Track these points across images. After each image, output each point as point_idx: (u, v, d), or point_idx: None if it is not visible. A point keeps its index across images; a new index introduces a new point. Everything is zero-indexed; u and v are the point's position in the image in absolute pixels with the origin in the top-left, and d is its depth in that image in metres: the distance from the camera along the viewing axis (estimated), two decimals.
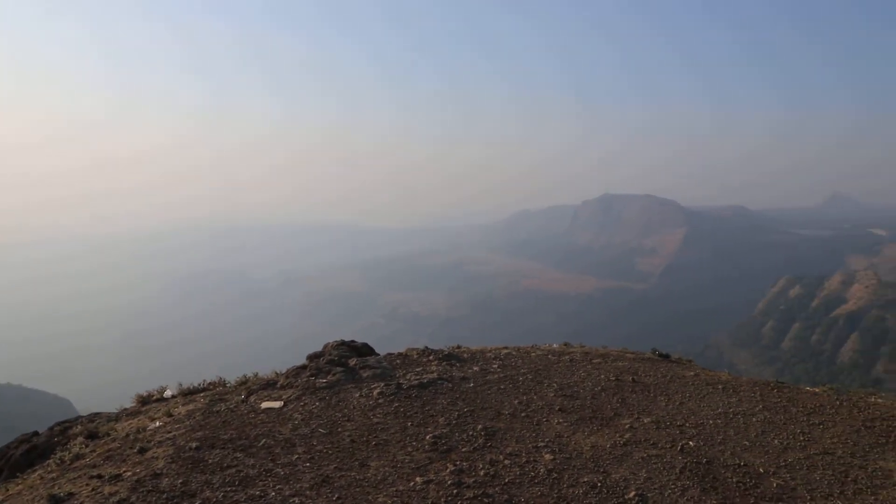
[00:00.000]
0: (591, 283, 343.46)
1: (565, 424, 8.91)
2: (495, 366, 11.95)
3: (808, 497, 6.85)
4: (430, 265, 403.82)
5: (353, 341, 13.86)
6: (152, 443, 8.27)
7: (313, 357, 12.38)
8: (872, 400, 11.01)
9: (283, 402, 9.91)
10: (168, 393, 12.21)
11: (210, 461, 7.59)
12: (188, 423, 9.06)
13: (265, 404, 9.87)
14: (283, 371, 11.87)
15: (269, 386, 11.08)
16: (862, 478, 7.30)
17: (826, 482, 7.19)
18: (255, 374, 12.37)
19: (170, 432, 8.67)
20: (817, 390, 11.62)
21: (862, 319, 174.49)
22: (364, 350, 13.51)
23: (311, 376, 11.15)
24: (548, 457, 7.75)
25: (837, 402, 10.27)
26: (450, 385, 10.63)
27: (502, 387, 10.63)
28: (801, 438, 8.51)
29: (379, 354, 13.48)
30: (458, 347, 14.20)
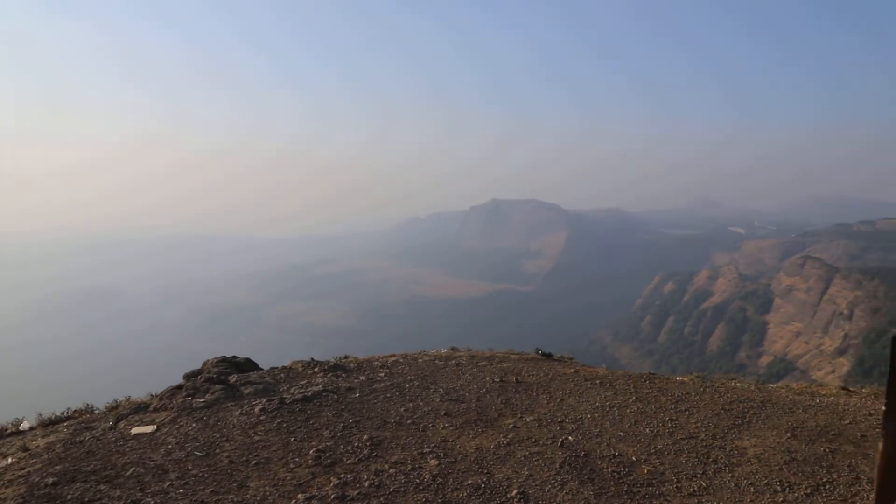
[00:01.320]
0: (481, 287, 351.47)
1: (451, 429, 8.99)
2: (382, 374, 11.87)
3: (675, 479, 7.30)
4: (319, 275, 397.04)
5: (234, 357, 13.30)
6: (1, 483, 7.49)
7: (190, 376, 11.75)
8: (732, 384, 11.95)
9: (155, 427, 9.31)
10: (25, 425, 11.13)
11: (69, 497, 6.97)
12: (46, 456, 8.29)
13: (135, 430, 9.23)
14: (158, 393, 11.18)
15: (141, 410, 10.38)
16: (721, 457, 7.88)
17: (690, 464, 7.70)
18: (127, 398, 11.56)
19: (23, 469, 7.89)
20: (685, 379, 12.44)
21: (726, 310, 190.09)
22: (246, 366, 13.00)
23: (188, 396, 10.56)
24: (433, 462, 7.78)
25: (701, 389, 11.05)
26: (335, 396, 10.43)
27: (389, 395, 10.57)
28: (670, 425, 9.07)
29: (263, 369, 13.03)
30: (346, 357, 14.00)
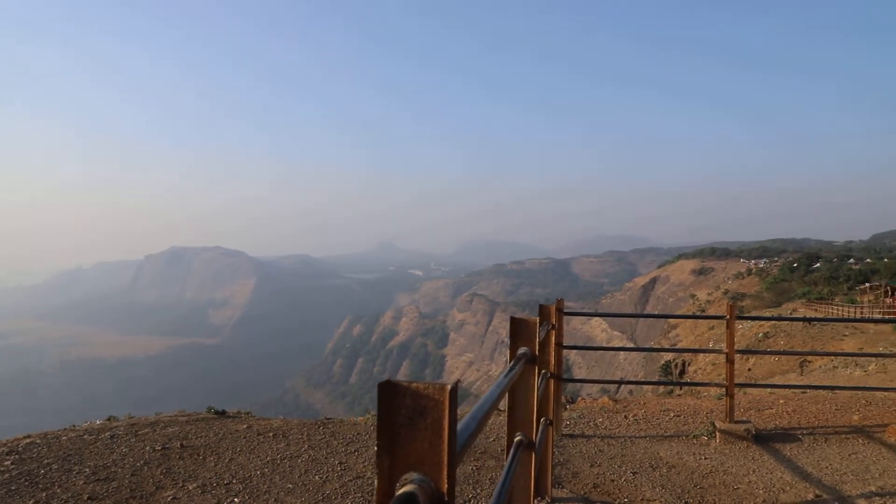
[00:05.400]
0: (161, 343, 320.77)
1: None
2: (8, 462, 9.82)
3: None
4: None
5: None
6: None
7: None
8: None
9: None
10: None
11: None
12: None
13: None
14: None
15: None
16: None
17: None
18: None
19: None
20: (358, 419, 12.81)
21: (410, 347, 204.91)
22: None
23: None
24: None
25: (372, 428, 11.48)
26: None
27: (14, 487, 8.75)
28: (339, 469, 9.17)
29: None
30: None
